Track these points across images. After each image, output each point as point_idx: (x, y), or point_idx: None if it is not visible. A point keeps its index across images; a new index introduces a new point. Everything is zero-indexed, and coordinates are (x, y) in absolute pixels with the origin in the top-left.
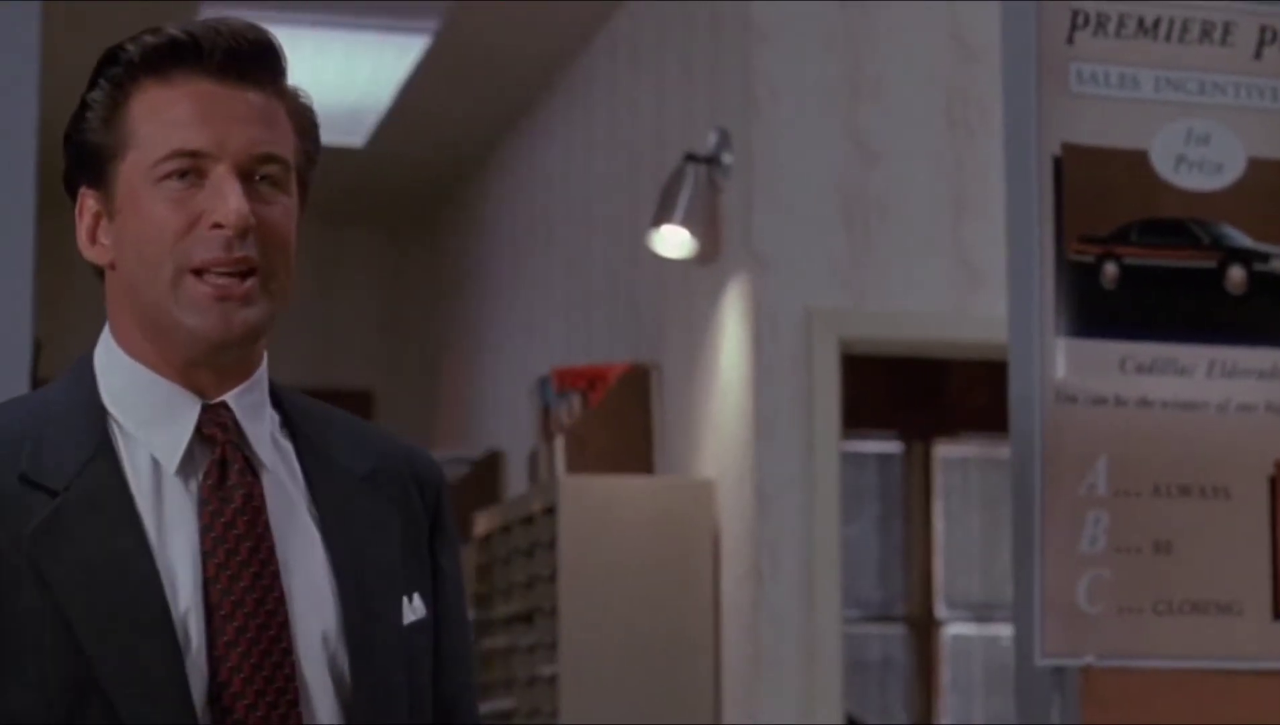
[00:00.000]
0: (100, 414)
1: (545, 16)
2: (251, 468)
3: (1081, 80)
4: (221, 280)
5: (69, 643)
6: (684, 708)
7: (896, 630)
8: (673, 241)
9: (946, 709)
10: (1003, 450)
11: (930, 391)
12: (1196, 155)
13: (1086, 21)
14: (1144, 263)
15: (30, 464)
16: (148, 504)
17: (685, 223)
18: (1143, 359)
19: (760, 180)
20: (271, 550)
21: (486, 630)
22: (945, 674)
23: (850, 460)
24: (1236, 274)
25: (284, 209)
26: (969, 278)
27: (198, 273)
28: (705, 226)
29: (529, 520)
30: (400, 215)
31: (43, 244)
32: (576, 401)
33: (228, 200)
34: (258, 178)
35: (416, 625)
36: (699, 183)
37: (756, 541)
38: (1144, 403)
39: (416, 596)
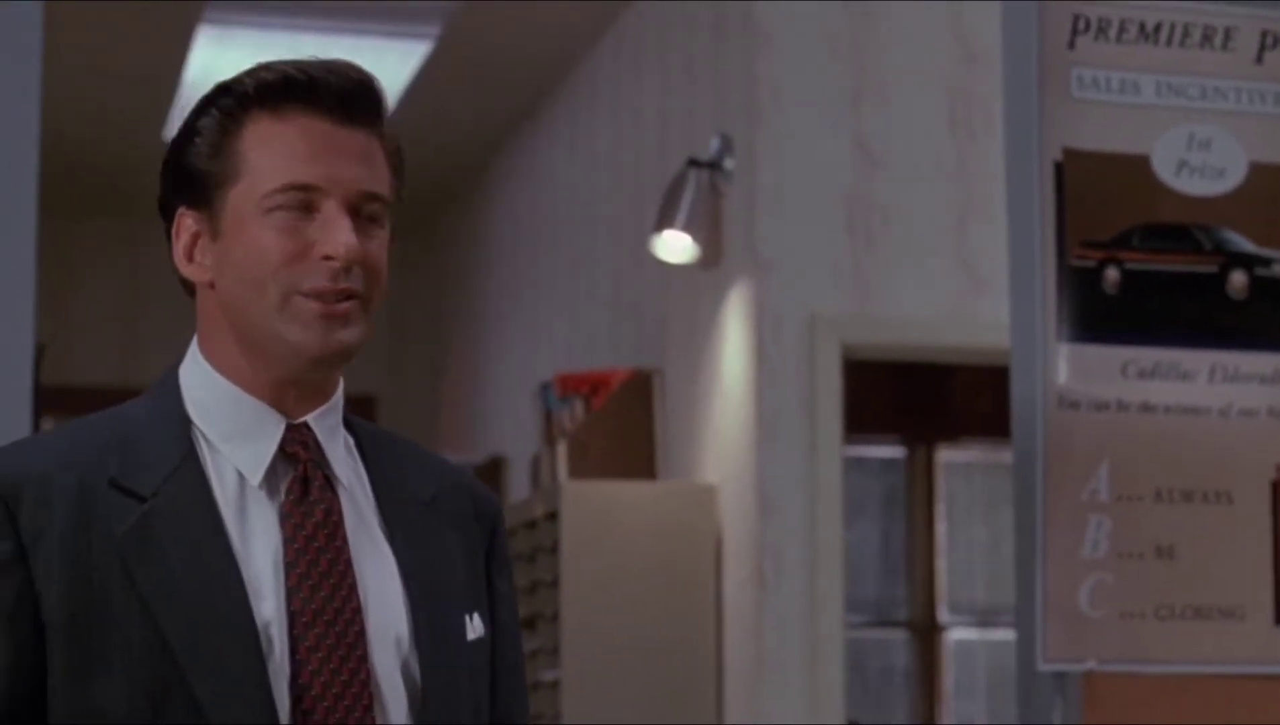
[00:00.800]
0: (185, 425)
1: (548, 21)
2: (330, 485)
3: (1083, 85)
4: (330, 297)
5: (157, 642)
6: (686, 712)
7: (899, 635)
8: (675, 246)
9: (949, 714)
10: (1006, 455)
11: (933, 396)
12: (1198, 160)
13: (1088, 26)
14: (1146, 268)
15: (120, 470)
16: (231, 514)
17: (688, 228)
18: (1145, 364)
19: (763, 185)
20: (349, 563)
21: None
22: (948, 679)
23: (853, 465)
24: (1238, 279)
25: (381, 243)
26: (972, 283)
27: (304, 295)
28: (708, 231)
29: (531, 525)
30: (403, 220)
31: (44, 247)
32: (579, 406)
33: (339, 235)
34: (361, 213)
35: (476, 643)
36: (701, 187)
37: (759, 546)
38: (1146, 408)
39: (476, 616)
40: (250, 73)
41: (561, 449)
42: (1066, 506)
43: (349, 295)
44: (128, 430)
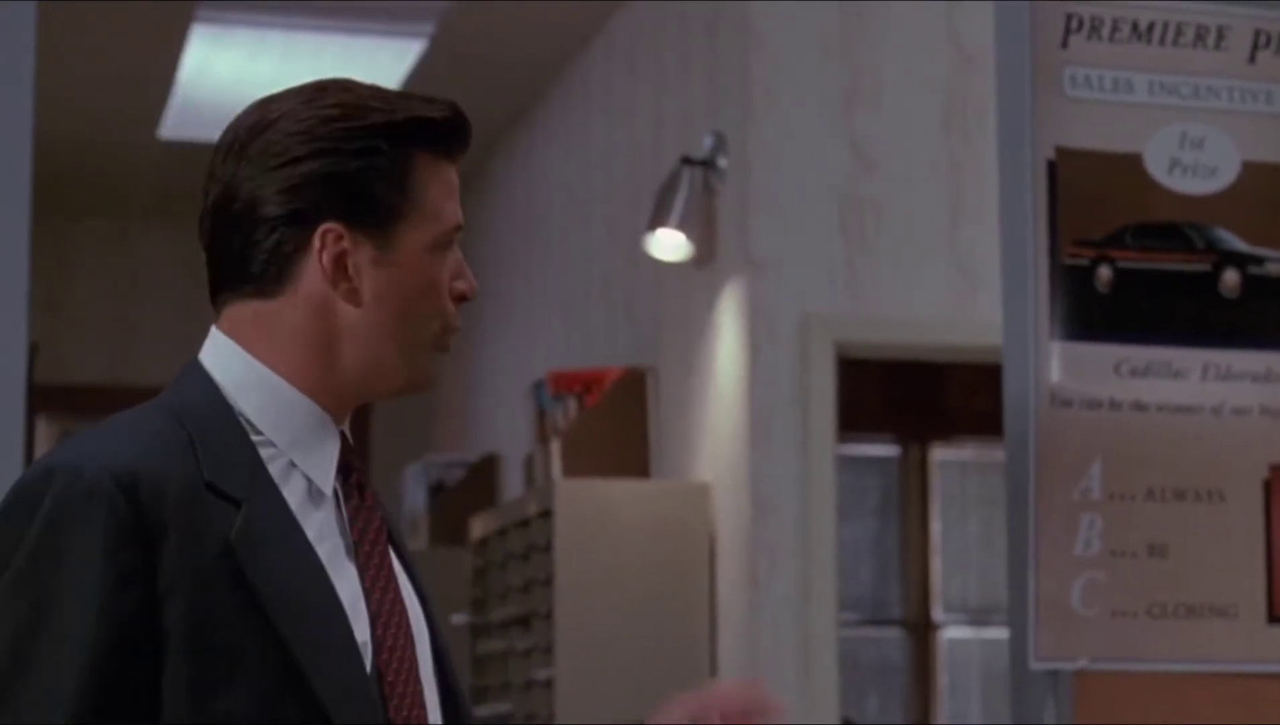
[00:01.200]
0: (242, 430)
1: (542, 20)
2: (371, 491)
3: (1075, 84)
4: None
5: (275, 649)
6: None
7: (893, 634)
8: (669, 245)
9: (944, 712)
10: (999, 453)
11: (927, 395)
12: (1190, 159)
13: (1080, 25)
14: (1138, 266)
15: (211, 471)
16: (305, 517)
17: (681, 226)
18: (1137, 362)
19: (756, 184)
20: (397, 588)
21: (482, 634)
22: (942, 678)
23: (847, 464)
24: (1231, 277)
25: None
26: (965, 282)
27: (451, 331)
28: (701, 230)
29: (525, 524)
30: None
31: (38, 246)
32: (572, 405)
33: (469, 275)
34: None
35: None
36: (695, 186)
37: (753, 545)
38: (1138, 406)
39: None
40: (412, 105)
41: (555, 448)
42: (1059, 505)
43: None
44: (195, 431)
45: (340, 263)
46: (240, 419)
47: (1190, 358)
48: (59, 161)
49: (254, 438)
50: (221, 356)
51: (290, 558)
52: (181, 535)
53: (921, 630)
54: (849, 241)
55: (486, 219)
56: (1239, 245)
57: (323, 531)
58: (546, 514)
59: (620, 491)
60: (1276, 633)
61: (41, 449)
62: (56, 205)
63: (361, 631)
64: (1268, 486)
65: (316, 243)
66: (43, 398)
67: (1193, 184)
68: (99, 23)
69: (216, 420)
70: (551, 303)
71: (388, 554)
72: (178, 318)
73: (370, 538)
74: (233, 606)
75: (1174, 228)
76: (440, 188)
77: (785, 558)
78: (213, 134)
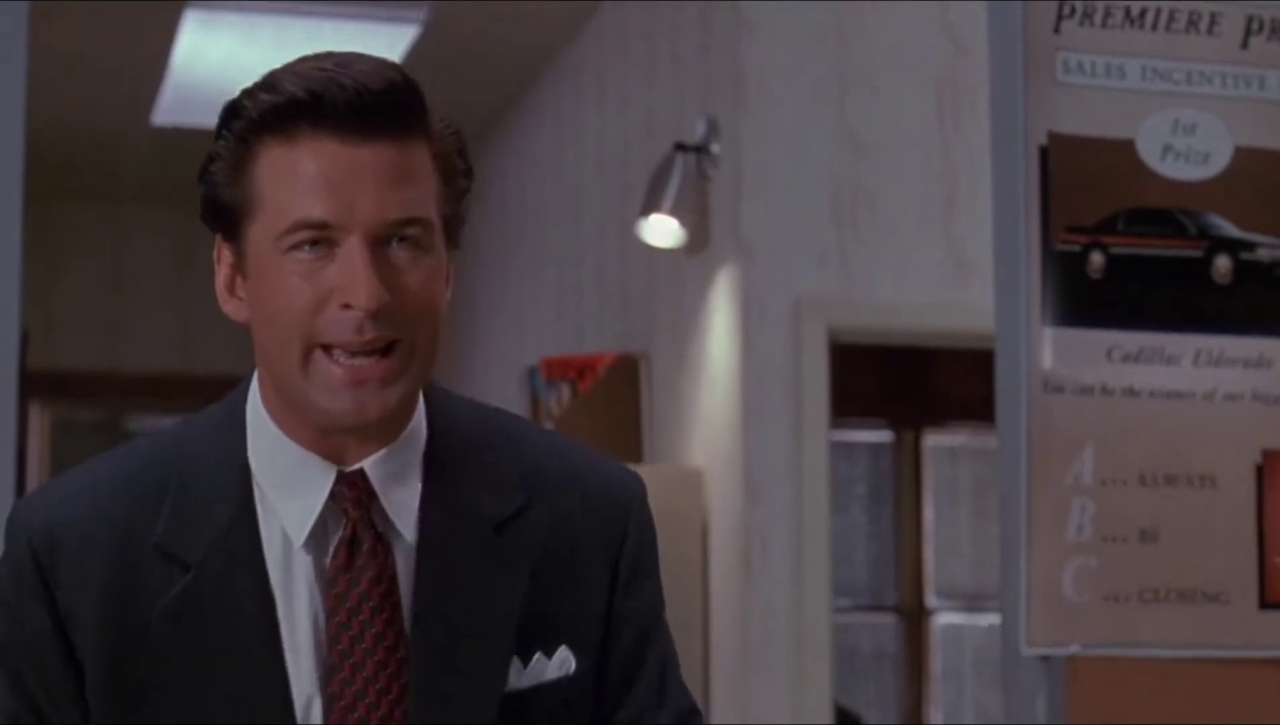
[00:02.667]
0: (245, 470)
1: (534, 7)
2: (384, 543)
3: (1068, 70)
4: (356, 361)
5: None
6: None
7: (887, 620)
8: (661, 231)
9: (937, 698)
10: (993, 440)
11: (920, 381)
12: (1183, 145)
13: (1073, 11)
14: (1130, 252)
15: (167, 530)
16: (279, 575)
17: (674, 212)
18: (1129, 348)
19: (749, 170)
20: (400, 634)
21: None
22: (935, 663)
23: (840, 450)
24: (1223, 263)
25: (426, 272)
26: (958, 268)
27: (328, 349)
28: (694, 216)
29: None
30: None
31: (30, 233)
32: (566, 391)
33: (358, 280)
34: (395, 243)
35: (556, 684)
36: (688, 172)
37: (745, 531)
38: (1130, 392)
39: (564, 649)
40: (253, 93)
41: None
42: (1051, 490)
43: (386, 345)
44: (182, 476)
45: (230, 280)
46: (245, 456)
47: (1182, 343)
48: (52, 148)
49: (253, 478)
50: (252, 387)
51: (232, 628)
52: (106, 602)
53: (914, 616)
54: (842, 227)
55: (479, 205)
56: (1231, 231)
57: (297, 586)
58: None
59: None
60: (1268, 618)
61: (35, 437)
62: (49, 191)
63: (306, 690)
64: (1259, 472)
65: (216, 257)
66: (35, 385)
67: (1185, 170)
68: (92, 9)
69: (217, 461)
70: (544, 289)
71: (385, 612)
72: (170, 304)
73: (351, 603)
74: (153, 682)
75: (1166, 214)
76: (288, 179)
77: (778, 543)
78: (205, 120)
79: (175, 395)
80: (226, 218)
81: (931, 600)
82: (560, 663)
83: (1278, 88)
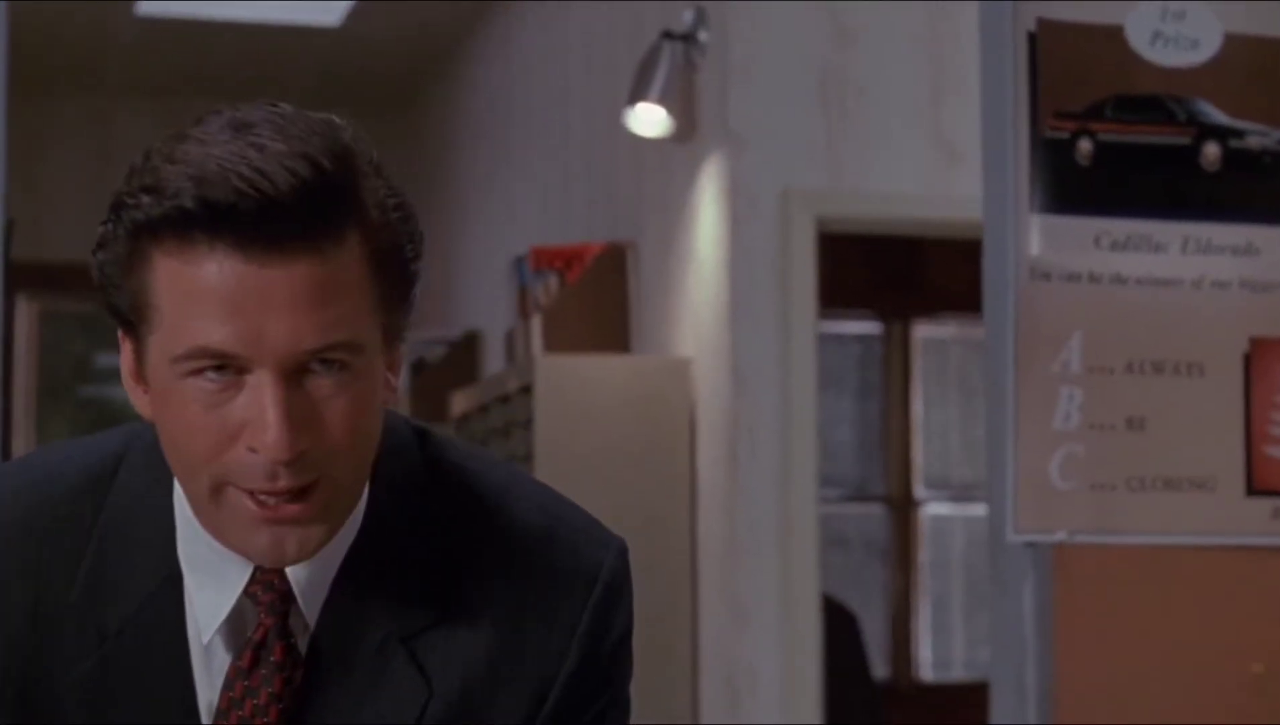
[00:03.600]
0: (173, 537)
1: None
2: (294, 655)
3: None
4: (271, 499)
5: None
6: (660, 587)
7: (875, 510)
8: (649, 120)
9: (925, 588)
10: (982, 331)
11: (909, 272)
12: (1173, 31)
13: None
14: (1119, 139)
15: (85, 593)
16: (199, 657)
17: (661, 101)
18: (1117, 235)
19: (737, 59)
20: None
21: None
22: (924, 554)
23: (829, 341)
24: (1211, 150)
25: (351, 402)
26: (947, 157)
27: (240, 489)
28: (681, 105)
29: (505, 400)
30: (376, 97)
31: (13, 123)
32: (553, 281)
33: (267, 426)
34: (316, 363)
35: None
36: (675, 61)
37: (733, 421)
38: (1118, 279)
39: None
40: (139, 186)
41: (536, 323)
42: (1038, 378)
43: (301, 489)
44: (106, 527)
45: (134, 371)
46: (174, 521)
47: (1170, 231)
48: (35, 38)
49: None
50: None
51: (146, 706)
52: (11, 665)
53: (903, 507)
54: (830, 116)
55: (465, 95)
56: (1220, 118)
57: (213, 674)
58: (527, 389)
59: (601, 367)
60: (1255, 505)
61: (22, 329)
62: (33, 82)
63: None
64: (1247, 359)
65: (120, 339)
66: (22, 277)
67: (1174, 56)
68: None
69: (146, 519)
70: (532, 179)
71: None
72: None
73: (244, 713)
74: None
75: (1155, 100)
76: (183, 298)
77: (765, 433)
78: (189, 11)
79: None
80: (120, 314)
81: (920, 491)
82: None
83: None
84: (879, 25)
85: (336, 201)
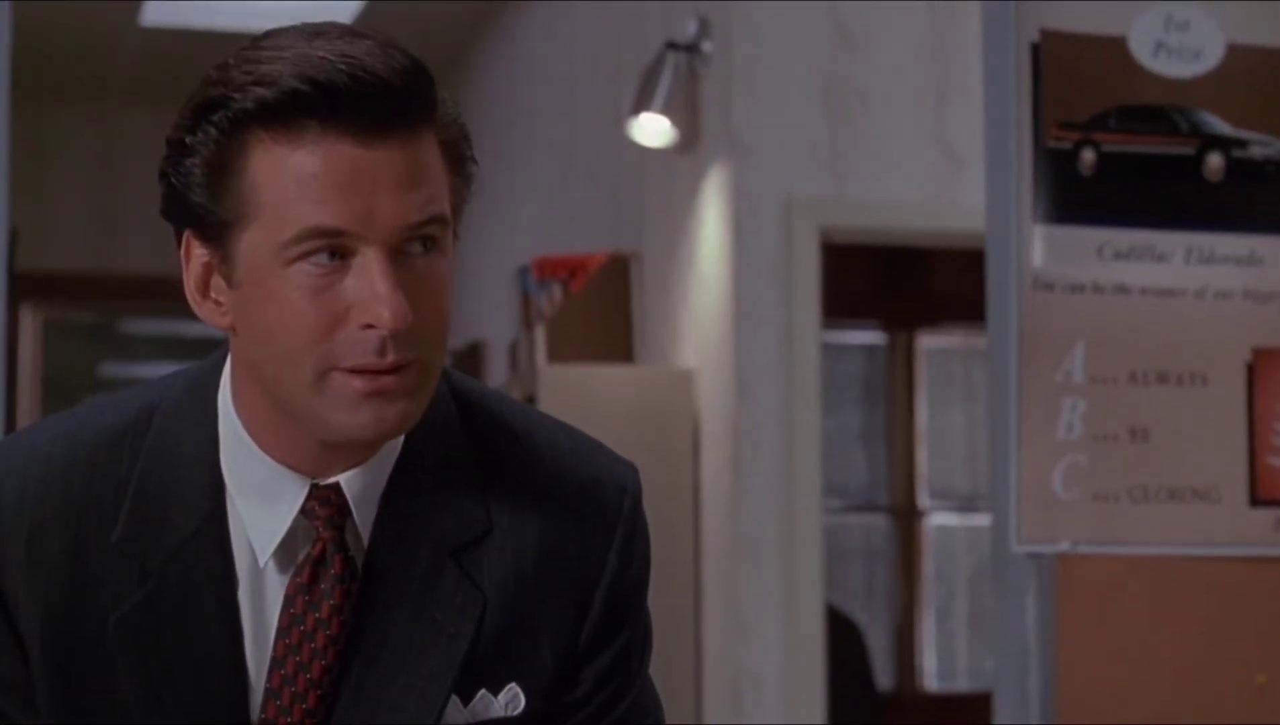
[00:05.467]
0: (216, 471)
1: None
2: (352, 569)
3: None
4: (372, 376)
5: None
6: (664, 597)
7: (880, 520)
8: (652, 130)
9: (929, 599)
10: (986, 341)
11: (913, 281)
12: (1175, 41)
13: None
14: (1122, 149)
15: (127, 531)
16: (247, 586)
17: (665, 111)
18: (1120, 246)
19: (740, 68)
20: (336, 664)
21: None
22: (928, 564)
23: (834, 351)
24: (1214, 161)
25: (442, 277)
26: (950, 165)
27: (344, 372)
28: (685, 115)
29: None
30: None
31: (17, 131)
32: (557, 291)
33: (382, 298)
34: (410, 248)
35: (498, 724)
36: (679, 71)
37: (736, 431)
38: (1121, 289)
39: (514, 687)
40: (247, 80)
41: (539, 333)
42: (1041, 388)
43: (399, 367)
44: (147, 467)
45: (203, 280)
46: (218, 456)
47: (1173, 241)
48: (40, 48)
49: (225, 480)
50: (224, 376)
51: (192, 641)
52: (53, 609)
53: (907, 517)
54: (833, 125)
55: (469, 104)
56: (1223, 129)
57: (266, 600)
58: (531, 400)
59: (604, 377)
60: (1258, 516)
61: (26, 339)
62: (38, 92)
63: (257, 711)
64: (1250, 369)
65: (183, 253)
66: (26, 286)
67: (1177, 67)
68: None
69: (190, 454)
70: (536, 188)
71: (339, 644)
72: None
73: (306, 627)
74: (99, 681)
75: (1158, 111)
76: (291, 183)
77: (769, 443)
78: (193, 20)
79: (167, 297)
80: (204, 220)
81: (924, 501)
82: (507, 702)
83: None
84: (883, 35)
85: (428, 89)
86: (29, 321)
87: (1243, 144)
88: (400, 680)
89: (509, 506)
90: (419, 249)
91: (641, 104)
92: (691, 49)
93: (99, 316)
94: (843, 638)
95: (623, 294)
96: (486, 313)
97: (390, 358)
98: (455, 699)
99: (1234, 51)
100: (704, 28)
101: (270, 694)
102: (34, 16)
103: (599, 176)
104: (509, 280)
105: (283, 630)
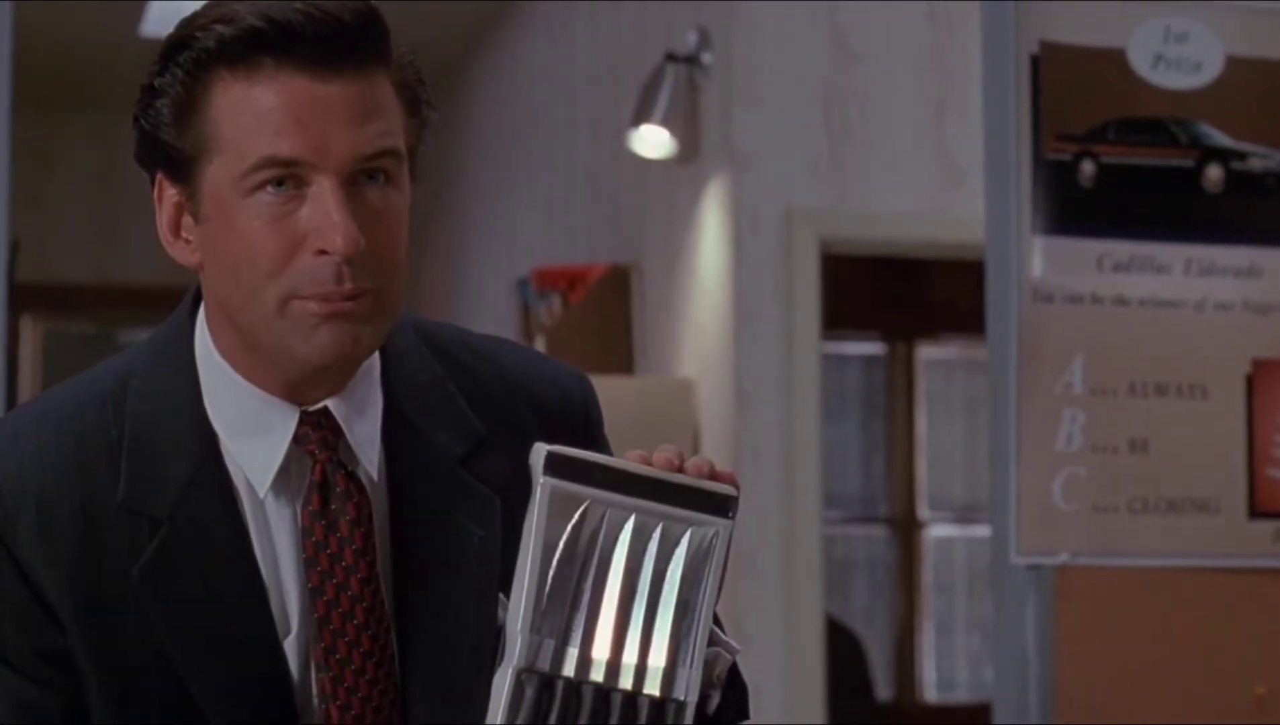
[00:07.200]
0: (203, 420)
1: None
2: (356, 482)
3: None
4: (332, 300)
5: (176, 685)
6: None
7: (879, 531)
8: (652, 141)
9: (929, 610)
10: (986, 352)
11: (913, 292)
12: (1174, 54)
13: None
14: (1121, 161)
15: (130, 488)
16: (255, 520)
17: (665, 123)
18: (1120, 257)
19: (740, 79)
20: (364, 586)
21: None
22: (927, 575)
23: (834, 362)
24: (1214, 172)
25: (397, 210)
26: (950, 177)
27: (304, 298)
28: (685, 126)
29: None
30: None
31: (18, 142)
32: (557, 301)
33: (335, 225)
34: (364, 179)
35: None
36: (679, 82)
37: (736, 441)
38: (1121, 301)
39: None
40: (206, 25)
41: (540, 343)
42: (1041, 400)
43: (361, 292)
44: (135, 428)
45: (175, 220)
46: (203, 404)
47: (1173, 253)
48: (40, 59)
49: (213, 426)
50: (199, 322)
51: (213, 581)
52: (73, 572)
53: (907, 528)
54: (833, 136)
55: (470, 115)
56: (1222, 140)
57: (275, 530)
58: None
59: (604, 387)
60: (1257, 527)
61: (27, 350)
62: (38, 103)
63: (297, 642)
64: (1249, 381)
65: (156, 196)
66: (26, 297)
67: (1176, 79)
68: None
69: (170, 406)
70: (536, 199)
71: (368, 555)
72: None
73: (331, 549)
74: (135, 645)
75: (1157, 123)
76: (248, 116)
77: (769, 454)
78: None
79: (167, 307)
80: (173, 158)
81: (924, 512)
82: None
83: None
84: (882, 47)
85: (380, 30)
86: (29, 332)
87: (1242, 156)
88: (458, 586)
89: (489, 413)
90: (373, 181)
91: (641, 115)
92: (691, 60)
93: (99, 327)
94: (842, 648)
95: (623, 304)
96: (486, 323)
97: (347, 286)
98: (501, 597)
99: (1233, 63)
100: (704, 39)
101: (321, 623)
102: (35, 28)
103: (599, 187)
104: (509, 291)
105: (310, 560)
